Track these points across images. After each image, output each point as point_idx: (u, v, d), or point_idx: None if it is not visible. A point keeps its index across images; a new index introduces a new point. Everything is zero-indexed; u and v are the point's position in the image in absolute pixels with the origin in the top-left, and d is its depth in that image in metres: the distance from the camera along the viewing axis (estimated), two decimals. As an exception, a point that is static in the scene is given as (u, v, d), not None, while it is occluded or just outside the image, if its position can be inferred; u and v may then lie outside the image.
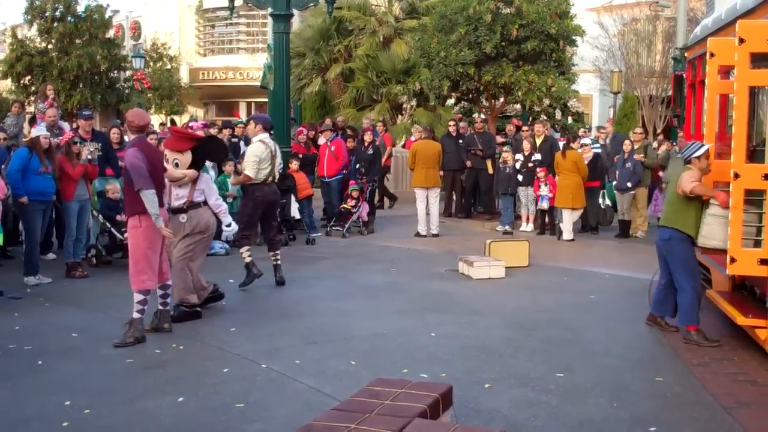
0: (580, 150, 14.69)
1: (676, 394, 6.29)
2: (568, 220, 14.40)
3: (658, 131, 30.04)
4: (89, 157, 11.04)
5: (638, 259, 12.19)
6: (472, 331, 8.13)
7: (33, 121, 13.22)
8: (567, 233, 14.39)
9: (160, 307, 8.06)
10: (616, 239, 14.60)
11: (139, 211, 7.59)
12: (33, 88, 32.67)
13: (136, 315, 7.60)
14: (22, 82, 33.28)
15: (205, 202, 8.60)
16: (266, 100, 22.47)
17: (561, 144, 15.47)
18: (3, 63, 33.94)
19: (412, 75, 25.04)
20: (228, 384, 6.39)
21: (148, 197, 7.50)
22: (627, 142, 15.00)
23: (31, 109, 31.57)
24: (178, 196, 8.47)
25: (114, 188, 11.49)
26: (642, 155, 14.60)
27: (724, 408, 6.01)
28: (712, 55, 7.77)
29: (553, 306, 9.30)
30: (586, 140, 15.86)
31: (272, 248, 10.37)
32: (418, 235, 14.70)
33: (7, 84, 35.36)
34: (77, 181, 10.66)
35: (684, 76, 11.21)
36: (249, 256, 10.09)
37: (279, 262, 10.35)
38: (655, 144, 17.14)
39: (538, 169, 14.87)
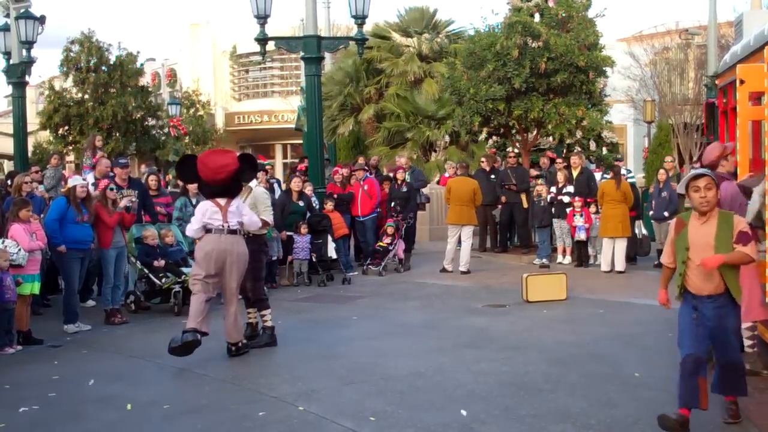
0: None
1: (718, 426, 6.18)
2: (607, 251, 14.34)
3: (694, 159, 29.77)
4: (128, 204, 11.17)
5: (677, 289, 12.00)
6: (511, 366, 8.06)
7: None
8: (605, 264, 14.35)
9: None
10: (654, 269, 14.45)
11: None
12: (70, 138, 33.24)
13: None
14: (59, 132, 33.85)
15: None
16: (301, 141, 22.75)
17: (597, 175, 15.41)
18: (41, 115, 34.60)
19: (445, 118, 25.17)
20: (265, 427, 6.37)
21: None
22: (662, 171, 14.98)
23: (70, 158, 32.20)
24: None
25: (152, 234, 11.57)
26: (677, 183, 14.51)
27: (770, 439, 5.88)
28: (742, 81, 7.73)
29: (592, 339, 9.19)
30: (622, 171, 15.82)
31: (258, 307, 9.31)
32: (443, 270, 14.65)
33: (46, 135, 35.99)
34: (113, 229, 10.77)
35: (716, 103, 11.14)
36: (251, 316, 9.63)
37: (267, 323, 9.20)
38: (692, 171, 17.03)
39: (575, 199, 14.81)
